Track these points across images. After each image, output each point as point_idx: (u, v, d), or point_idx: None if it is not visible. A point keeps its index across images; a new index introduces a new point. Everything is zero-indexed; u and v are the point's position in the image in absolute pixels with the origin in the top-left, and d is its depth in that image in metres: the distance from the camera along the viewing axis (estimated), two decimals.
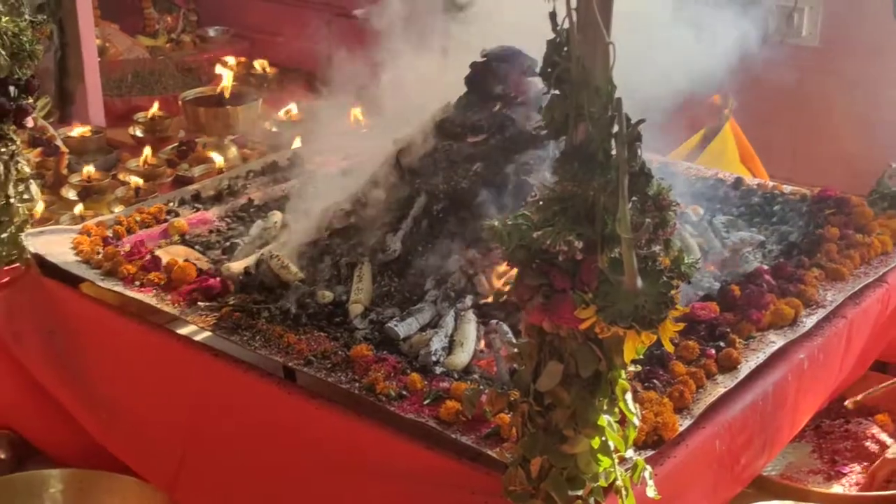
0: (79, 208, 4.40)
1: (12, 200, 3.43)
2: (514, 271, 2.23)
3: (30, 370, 3.39)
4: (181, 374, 3.15)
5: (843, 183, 4.12)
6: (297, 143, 4.61)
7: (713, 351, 2.94)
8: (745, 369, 2.90)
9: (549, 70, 2.11)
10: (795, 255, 3.52)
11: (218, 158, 4.80)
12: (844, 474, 3.45)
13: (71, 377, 3.34)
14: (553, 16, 2.05)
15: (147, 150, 4.99)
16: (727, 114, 4.92)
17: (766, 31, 4.07)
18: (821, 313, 3.17)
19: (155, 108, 5.53)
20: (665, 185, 2.13)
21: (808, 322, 3.13)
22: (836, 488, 3.39)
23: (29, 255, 3.51)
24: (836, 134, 5.03)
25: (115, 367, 3.30)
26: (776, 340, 3.03)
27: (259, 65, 6.38)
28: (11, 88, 3.33)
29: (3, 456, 3.51)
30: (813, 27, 5.20)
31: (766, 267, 3.37)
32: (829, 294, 3.27)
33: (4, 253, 3.47)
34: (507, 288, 2.28)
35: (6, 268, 3.47)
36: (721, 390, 2.80)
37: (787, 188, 4.05)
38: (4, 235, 3.45)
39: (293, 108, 5.37)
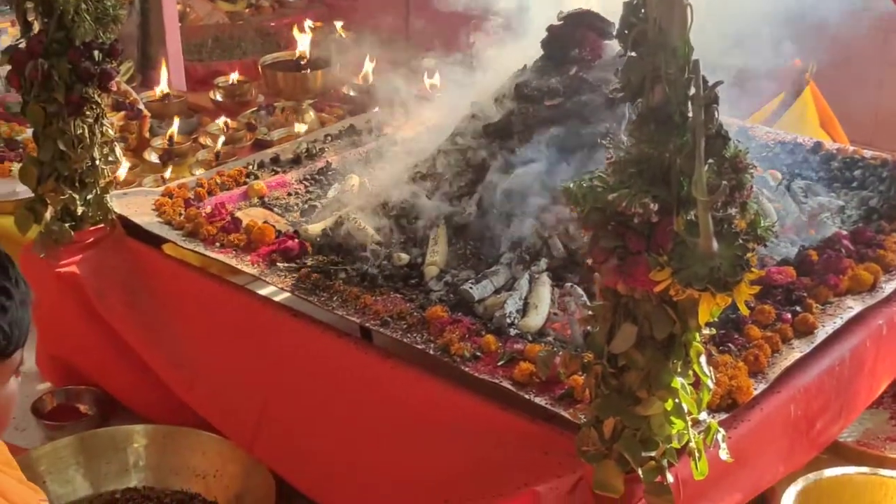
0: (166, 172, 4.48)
1: (97, 162, 3.49)
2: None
3: (115, 328, 3.46)
4: (260, 334, 3.20)
5: None
6: (374, 107, 4.63)
7: (789, 315, 2.92)
8: (821, 334, 2.88)
9: (626, 32, 2.11)
10: (875, 220, 3.48)
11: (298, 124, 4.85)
12: None
13: (154, 336, 3.41)
14: None
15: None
16: (807, 77, 4.84)
17: None
18: None
19: (236, 74, 5.59)
20: (742, 147, 2.12)
21: (888, 287, 3.09)
22: None
23: (113, 217, 3.59)
24: None
25: (197, 327, 3.37)
26: (854, 306, 3.00)
27: (337, 29, 6.40)
28: (96, 52, 3.38)
29: (89, 411, 3.61)
30: None
31: (844, 232, 3.33)
32: None
33: (90, 214, 3.54)
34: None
35: (92, 228, 3.54)
36: (797, 355, 2.79)
37: (867, 153, 3.99)
38: (90, 197, 3.52)
39: (370, 72, 5.39)
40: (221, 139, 4.78)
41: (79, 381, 3.67)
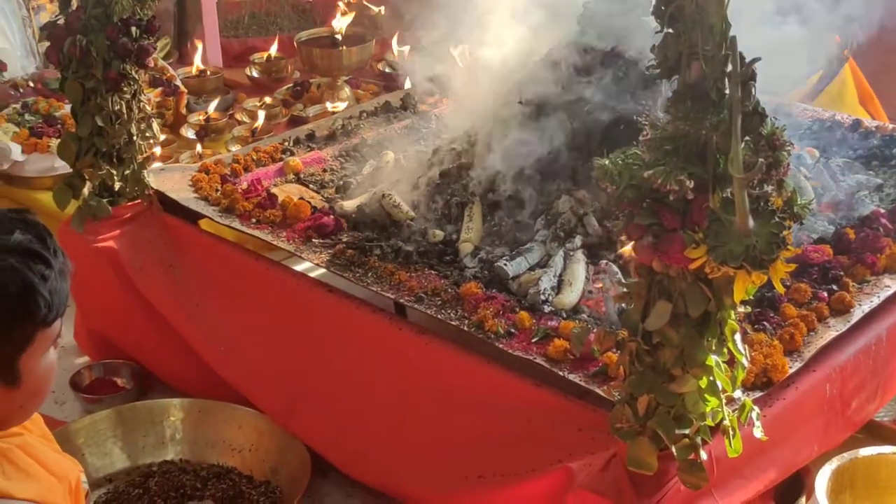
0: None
1: (135, 138, 3.52)
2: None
3: (152, 303, 3.49)
4: (295, 310, 3.22)
5: None
6: (408, 84, 4.63)
7: (825, 294, 2.91)
8: (857, 313, 2.86)
9: (663, 8, 2.10)
10: None
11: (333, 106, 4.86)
12: None
13: (190, 310, 3.43)
14: None
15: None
16: (847, 54, 4.79)
17: None
18: None
19: (273, 50, 5.60)
20: (779, 125, 2.11)
21: None
22: None
23: (150, 192, 3.61)
24: None
25: (232, 302, 3.39)
26: (891, 284, 2.98)
27: (373, 6, 6.39)
28: (133, 29, 3.40)
29: (127, 385, 3.64)
30: None
31: (882, 210, 3.31)
32: None
33: (127, 189, 3.56)
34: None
35: (129, 204, 3.56)
36: (833, 334, 2.78)
37: None
38: (127, 172, 3.54)
39: (406, 49, 5.39)
40: (262, 114, 4.79)
41: (116, 355, 3.70)
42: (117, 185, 3.53)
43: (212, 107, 4.87)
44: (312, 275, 3.34)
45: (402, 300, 2.97)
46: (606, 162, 2.20)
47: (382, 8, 5.95)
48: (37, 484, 1.80)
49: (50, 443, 2.03)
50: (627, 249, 2.34)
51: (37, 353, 1.81)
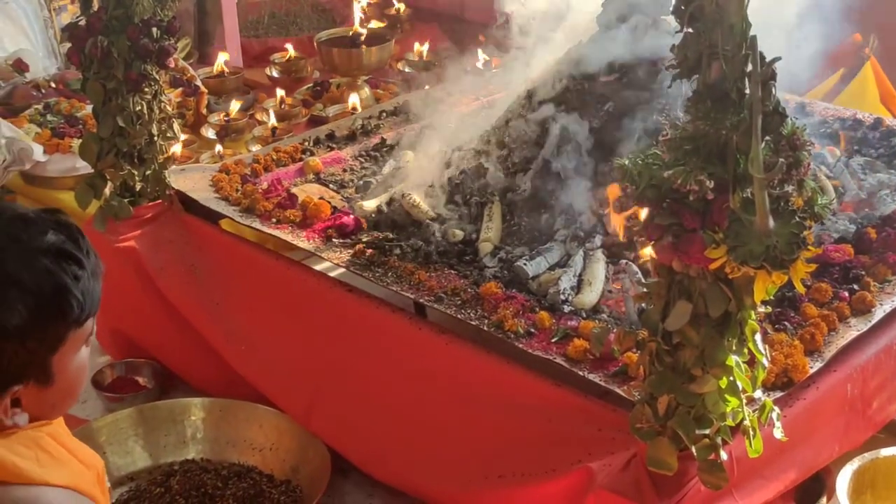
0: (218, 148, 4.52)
1: (156, 138, 3.53)
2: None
3: (173, 303, 3.51)
4: (315, 309, 3.23)
5: None
6: (429, 84, 4.64)
7: (846, 294, 2.90)
8: (879, 312, 2.85)
9: (683, 8, 2.10)
10: None
11: (353, 98, 4.87)
12: None
13: (211, 310, 3.45)
14: None
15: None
16: (868, 53, 4.77)
17: None
18: None
19: (292, 51, 5.62)
20: (800, 124, 2.10)
21: None
22: None
23: (171, 192, 3.63)
24: None
25: (253, 302, 3.40)
26: None
27: (393, 5, 6.40)
28: (154, 29, 3.41)
29: (148, 384, 3.66)
30: None
31: None
32: None
33: (148, 189, 3.58)
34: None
35: (150, 204, 3.58)
36: (854, 333, 2.77)
37: None
38: (148, 172, 3.56)
39: (426, 48, 5.39)
40: (272, 114, 4.80)
41: (138, 354, 3.72)
42: (138, 186, 3.55)
43: (233, 107, 4.88)
44: (332, 274, 3.34)
45: (421, 300, 2.97)
46: (626, 162, 2.20)
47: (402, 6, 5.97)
48: (69, 470, 1.83)
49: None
50: (646, 252, 2.34)
51: (69, 352, 1.83)
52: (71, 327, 1.81)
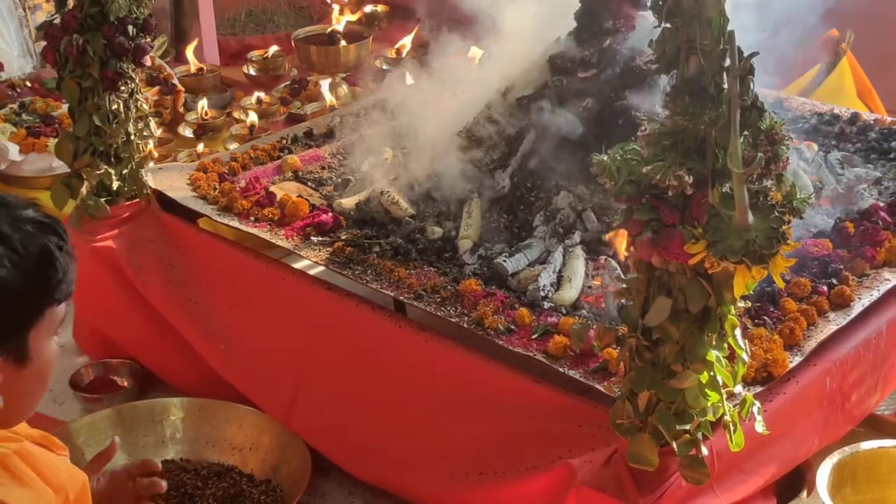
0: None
1: (132, 137, 3.51)
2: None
3: (151, 302, 3.49)
4: (295, 308, 3.22)
5: None
6: (407, 81, 4.63)
7: (825, 288, 2.91)
8: (857, 307, 2.86)
9: (661, 3, 2.09)
10: None
11: (329, 96, 4.86)
12: None
13: (190, 309, 3.43)
14: None
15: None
16: (845, 48, 4.78)
17: None
18: None
19: (273, 49, 5.60)
20: (778, 119, 2.10)
21: None
22: None
23: (149, 191, 3.61)
24: None
25: (232, 301, 3.39)
26: (891, 278, 2.98)
27: (370, 3, 6.39)
28: (130, 28, 3.39)
29: (126, 384, 3.63)
30: None
31: (881, 204, 3.30)
32: None
33: (126, 188, 3.56)
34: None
35: (127, 203, 3.56)
36: (833, 328, 2.78)
37: None
38: (125, 171, 3.54)
39: (404, 45, 5.38)
40: (253, 114, 4.78)
41: (116, 354, 3.69)
42: (115, 185, 3.53)
43: (201, 105, 4.86)
44: (311, 272, 3.33)
45: (401, 297, 2.96)
46: (605, 157, 2.20)
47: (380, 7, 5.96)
48: (30, 493, 1.80)
49: (51, 446, 2.02)
50: (621, 248, 2.35)
51: (44, 333, 1.85)
52: (51, 301, 1.84)
